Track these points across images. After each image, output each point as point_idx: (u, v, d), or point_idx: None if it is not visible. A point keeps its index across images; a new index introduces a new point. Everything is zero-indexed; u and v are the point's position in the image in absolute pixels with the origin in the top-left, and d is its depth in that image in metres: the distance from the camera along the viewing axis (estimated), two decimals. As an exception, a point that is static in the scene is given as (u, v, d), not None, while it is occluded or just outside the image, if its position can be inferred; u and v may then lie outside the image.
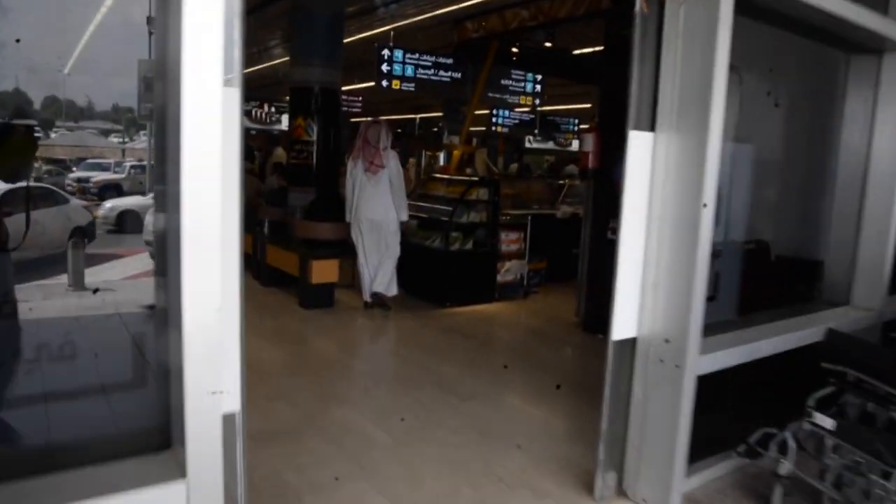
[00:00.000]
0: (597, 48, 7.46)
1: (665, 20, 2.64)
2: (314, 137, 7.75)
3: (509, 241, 6.74)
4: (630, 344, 2.77)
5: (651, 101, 2.74)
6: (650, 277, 2.73)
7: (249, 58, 12.37)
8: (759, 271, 3.92)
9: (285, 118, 22.38)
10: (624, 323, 2.73)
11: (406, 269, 6.64)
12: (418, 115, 25.09)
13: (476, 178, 6.98)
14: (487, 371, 4.50)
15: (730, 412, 3.06)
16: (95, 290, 5.92)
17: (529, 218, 6.87)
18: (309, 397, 3.93)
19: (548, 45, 7.34)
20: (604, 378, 2.76)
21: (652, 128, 2.75)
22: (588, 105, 18.38)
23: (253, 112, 21.97)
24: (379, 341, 5.40)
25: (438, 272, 6.43)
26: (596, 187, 5.47)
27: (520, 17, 6.24)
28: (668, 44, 2.63)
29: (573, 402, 3.94)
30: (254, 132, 27.60)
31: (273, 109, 22.14)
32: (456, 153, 8.50)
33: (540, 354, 5.07)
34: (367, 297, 6.14)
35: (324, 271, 6.01)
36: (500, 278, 6.69)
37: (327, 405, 3.83)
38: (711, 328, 2.79)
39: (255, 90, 21.55)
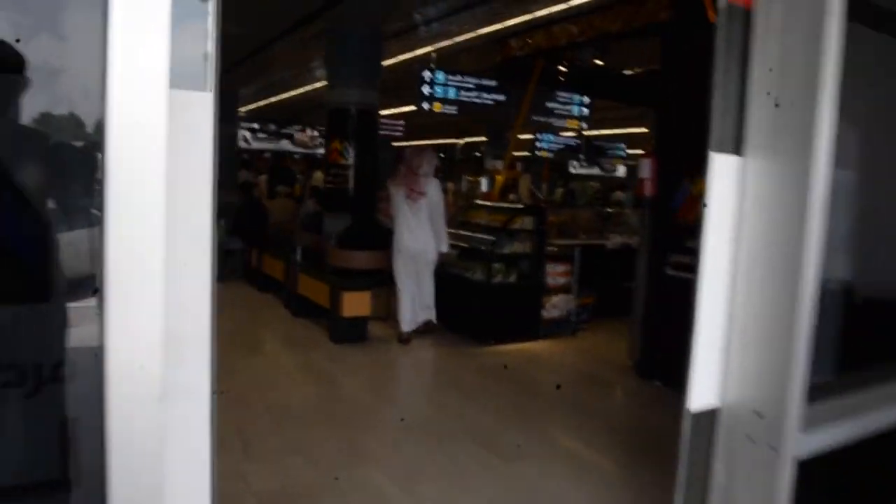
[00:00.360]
0: (651, 67, 6.99)
1: (755, 19, 2.16)
2: (350, 161, 7.43)
3: (556, 273, 6.25)
4: (710, 415, 2.26)
5: (736, 118, 2.25)
6: (736, 332, 2.22)
7: (290, 80, 12.23)
8: (850, 318, 3.36)
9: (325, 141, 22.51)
10: (703, 389, 2.22)
11: (445, 301, 6.23)
12: (462, 140, 24.84)
13: (521, 206, 6.52)
14: (534, 424, 4.00)
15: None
16: None
17: (577, 249, 6.36)
18: (331, 451, 3.49)
19: (597, 62, 6.88)
20: (678, 454, 2.25)
21: (737, 150, 2.25)
22: (636, 130, 17.87)
23: (295, 136, 22.04)
24: (413, 383, 4.95)
25: (480, 306, 5.96)
26: (653, 217, 4.96)
27: (568, 33, 5.80)
28: (759, 46, 2.15)
29: (634, 467, 3.41)
30: (297, 156, 27.84)
31: (315, 133, 22.19)
32: (499, 179, 8.05)
33: (592, 404, 4.54)
34: (404, 328, 5.77)
35: (356, 304, 5.61)
36: (545, 314, 6.19)
37: (351, 462, 3.38)
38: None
39: (298, 114, 21.65)
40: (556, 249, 6.36)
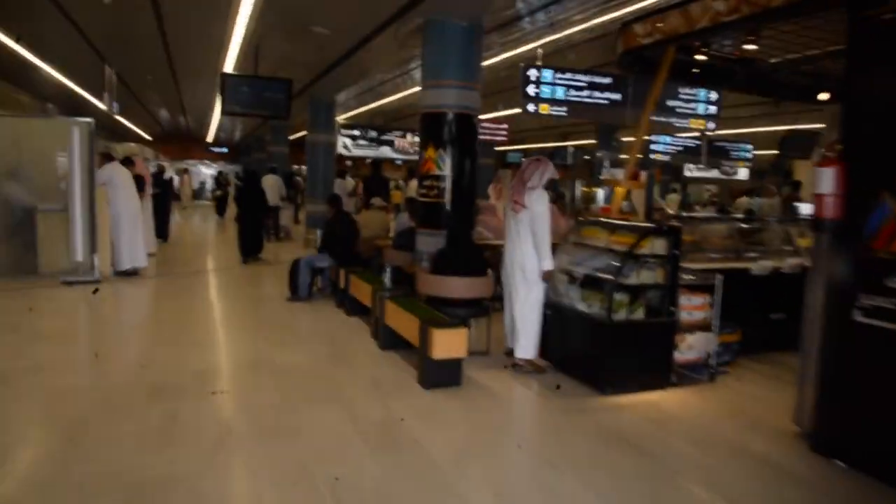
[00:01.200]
0: (814, 51, 5.69)
1: None
2: (446, 171, 6.59)
3: (692, 307, 5.11)
4: None
5: None
6: None
7: (389, 84, 11.57)
8: None
9: (428, 148, 21.97)
10: None
11: (554, 337, 5.26)
12: (567, 143, 23.62)
13: (651, 226, 5.40)
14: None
15: None
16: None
17: (718, 276, 5.18)
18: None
19: (749, 47, 5.66)
20: None
21: None
22: (763, 129, 16.05)
23: (396, 142, 21.58)
24: (513, 450, 4.00)
25: (596, 346, 4.93)
26: (835, 244, 3.77)
27: (711, 12, 4.66)
28: None
29: None
30: (399, 162, 27.51)
31: (416, 139, 21.65)
32: (619, 191, 6.94)
33: (752, 497, 3.42)
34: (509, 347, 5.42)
35: (449, 344, 4.72)
36: (678, 356, 5.07)
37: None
38: None
39: (399, 120, 21.23)
40: (693, 278, 5.21)
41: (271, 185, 15.20)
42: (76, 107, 18.88)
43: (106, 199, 9.02)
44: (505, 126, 15.24)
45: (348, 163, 25.83)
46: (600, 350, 4.89)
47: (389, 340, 5.76)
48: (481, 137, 15.03)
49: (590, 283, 5.21)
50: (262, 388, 4.82)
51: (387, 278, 6.21)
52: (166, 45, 10.48)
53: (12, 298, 7.52)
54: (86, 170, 8.52)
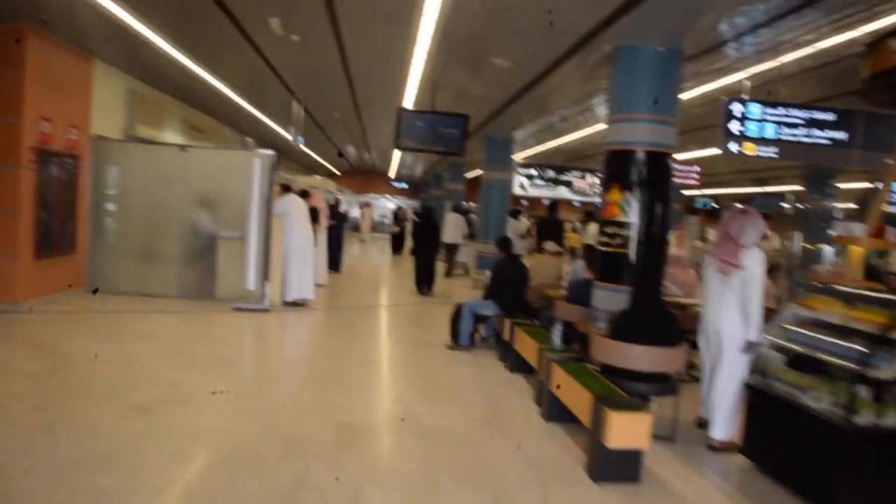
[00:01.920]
0: None
1: None
2: (632, 217, 5.70)
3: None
4: None
5: None
6: None
7: (570, 123, 10.83)
8: None
9: (608, 189, 20.80)
10: None
11: (760, 428, 4.18)
12: (764, 189, 21.37)
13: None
14: None
15: None
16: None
17: None
18: None
19: None
20: None
21: None
22: None
23: (574, 182, 20.76)
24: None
25: (826, 455, 3.77)
26: None
27: None
28: None
29: None
30: (576, 203, 26.52)
31: (596, 180, 20.68)
32: (856, 250, 5.59)
33: None
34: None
35: (627, 431, 3.82)
36: (948, 481, 3.75)
37: None
38: None
39: (578, 160, 20.44)
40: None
41: (454, 223, 15.13)
42: (271, 141, 20.25)
43: (281, 230, 9.14)
44: (696, 169, 13.87)
45: (524, 202, 25.40)
46: (832, 462, 3.72)
47: (555, 411, 4.94)
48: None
49: (813, 366, 4.05)
50: (405, 455, 4.23)
51: (556, 336, 5.44)
52: (350, 82, 10.62)
53: (182, 321, 7.70)
54: (264, 200, 8.67)
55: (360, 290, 11.87)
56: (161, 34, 7.76)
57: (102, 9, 6.59)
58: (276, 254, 8.99)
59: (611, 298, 5.71)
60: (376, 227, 33.54)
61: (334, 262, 13.11)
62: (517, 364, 6.43)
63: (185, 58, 8.85)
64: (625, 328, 4.68)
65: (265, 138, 19.52)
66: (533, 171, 20.13)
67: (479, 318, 7.38)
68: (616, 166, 5.86)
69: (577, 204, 29.68)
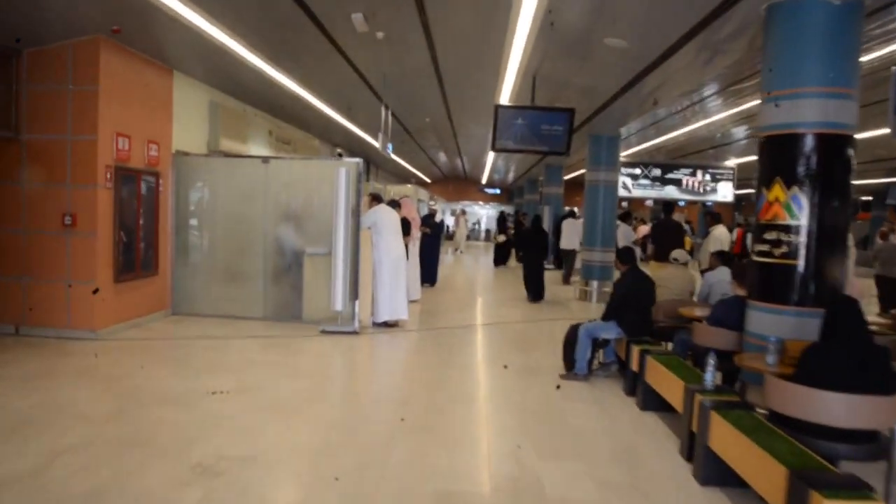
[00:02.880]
0: None
1: None
2: (801, 220, 4.48)
3: None
4: None
5: None
6: None
7: (677, 117, 9.38)
8: None
9: (722, 187, 19.05)
10: None
11: None
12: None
13: None
14: None
15: None
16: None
17: None
18: None
19: None
20: None
21: None
22: None
23: (684, 180, 19.19)
24: None
25: None
26: None
27: None
28: None
29: None
30: (683, 203, 24.66)
31: (707, 177, 19.00)
32: None
33: None
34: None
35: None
36: None
37: None
38: None
39: (683, 157, 18.85)
40: None
41: (571, 228, 14.40)
42: (361, 151, 19.82)
43: (370, 244, 8.40)
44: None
45: (623, 204, 23.68)
46: None
47: (716, 472, 3.82)
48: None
49: None
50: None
51: (710, 375, 4.29)
52: (440, 80, 9.79)
53: (264, 348, 7.03)
54: (351, 212, 7.93)
55: (458, 306, 10.96)
56: (242, 42, 7.21)
57: (180, 17, 6.05)
58: (365, 270, 8.24)
59: (777, 323, 4.51)
60: (470, 235, 32.74)
61: (429, 275, 12.31)
62: (649, 400, 5.33)
63: (267, 66, 8.30)
64: (820, 368, 3.49)
65: (354, 147, 19.09)
66: (637, 170, 18.71)
67: (598, 343, 6.29)
68: (777, 156, 4.65)
69: (681, 203, 27.89)
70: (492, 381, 6.33)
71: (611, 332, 6.11)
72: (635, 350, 5.59)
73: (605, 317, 6.17)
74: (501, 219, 23.71)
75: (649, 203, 25.21)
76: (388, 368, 7.05)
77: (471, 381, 6.36)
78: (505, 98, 9.28)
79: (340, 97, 11.40)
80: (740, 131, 15.35)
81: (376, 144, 10.62)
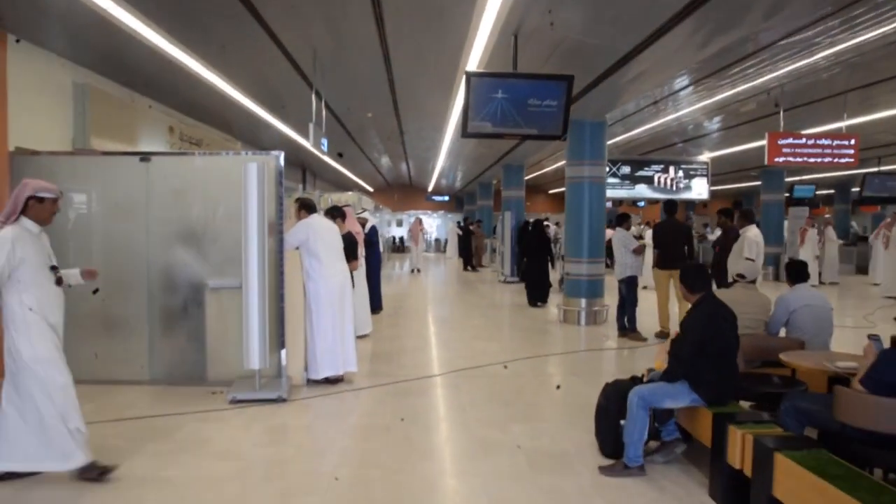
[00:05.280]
0: None
1: None
2: None
3: None
4: None
5: None
6: None
7: (650, 110, 6.88)
8: None
9: (696, 183, 17.43)
10: None
11: None
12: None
13: None
14: None
15: None
16: None
17: None
18: None
19: None
20: None
21: None
22: None
23: (656, 178, 17.52)
24: None
25: None
26: None
27: None
28: None
29: None
30: (643, 204, 23.11)
31: (680, 174, 17.32)
32: None
33: None
34: None
35: None
36: None
37: None
38: None
39: (651, 152, 17.36)
40: None
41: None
42: (297, 157, 17.31)
43: (303, 271, 6.03)
44: (852, 142, 10.32)
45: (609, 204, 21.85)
46: None
47: None
48: (814, 161, 10.33)
49: None
50: None
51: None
52: (387, 59, 7.54)
53: (134, 443, 4.51)
54: (269, 227, 5.55)
55: (420, 341, 8.57)
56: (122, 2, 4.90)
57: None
58: (293, 307, 5.88)
59: None
60: (427, 247, 30.39)
61: (374, 300, 9.92)
62: (734, 488, 3.18)
63: (162, 39, 6.02)
64: None
65: (289, 153, 16.61)
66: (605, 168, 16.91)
67: (658, 416, 4.09)
68: None
69: (641, 204, 26.27)
70: (490, 488, 3.99)
71: (681, 397, 3.90)
72: (736, 434, 3.41)
73: (671, 374, 3.95)
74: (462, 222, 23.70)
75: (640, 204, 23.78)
76: (328, 469, 4.57)
77: (455, 491, 4.00)
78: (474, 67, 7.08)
79: (265, 87, 9.02)
80: (713, 123, 13.93)
81: (308, 145, 8.24)
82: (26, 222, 3.75)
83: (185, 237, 6.01)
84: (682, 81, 8.86)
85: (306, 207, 6.20)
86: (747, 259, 7.24)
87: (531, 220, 13.76)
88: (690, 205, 31.06)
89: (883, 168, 17.51)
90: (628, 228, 8.68)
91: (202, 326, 5.97)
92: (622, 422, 4.06)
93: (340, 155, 21.52)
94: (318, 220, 6.16)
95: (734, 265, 7.54)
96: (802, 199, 20.16)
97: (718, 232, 23.38)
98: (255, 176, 5.30)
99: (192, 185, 6.01)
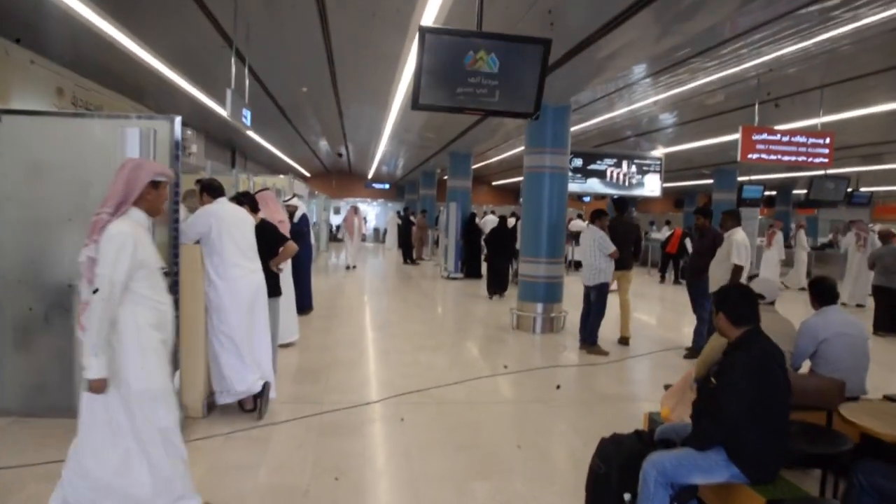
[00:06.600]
0: None
1: None
2: None
3: None
4: None
5: None
6: None
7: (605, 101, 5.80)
8: None
9: (649, 179, 16.77)
10: None
11: None
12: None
13: None
14: None
15: None
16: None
17: None
18: None
19: None
20: None
21: None
22: None
23: (608, 173, 16.78)
24: None
25: None
26: None
27: None
28: None
29: None
30: (587, 199, 22.66)
31: (633, 169, 16.60)
32: None
33: None
34: None
35: None
36: None
37: None
38: None
39: (604, 145, 16.61)
40: None
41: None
42: (225, 134, 15.72)
43: (203, 271, 4.72)
44: (827, 140, 9.60)
45: (586, 199, 20.99)
46: None
47: None
48: (788, 159, 9.57)
49: None
50: None
51: None
52: (323, 16, 6.26)
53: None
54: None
55: (354, 352, 7.34)
56: None
57: None
58: (194, 316, 4.58)
59: None
60: (365, 237, 28.88)
61: (303, 300, 8.62)
62: None
63: None
64: None
65: (214, 129, 15.02)
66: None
67: (680, 494, 3.01)
68: None
69: (587, 200, 25.49)
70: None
71: (715, 472, 2.82)
72: None
73: (702, 440, 2.86)
74: (402, 211, 22.59)
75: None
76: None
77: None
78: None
79: (176, 43, 7.58)
80: (669, 117, 13.29)
81: (226, 115, 6.86)
82: (137, 214, 2.99)
83: (46, 224, 4.60)
84: (653, 66, 7.87)
85: (209, 190, 4.86)
86: (736, 265, 6.31)
87: (498, 215, 14.27)
88: (633, 201, 30.75)
89: (829, 171, 17.17)
90: (604, 227, 7.54)
91: (69, 341, 4.57)
92: (626, 496, 2.98)
93: (340, 155, 20.02)
94: (225, 208, 4.84)
95: (718, 271, 6.62)
96: (750, 199, 19.74)
97: (666, 230, 22.76)
98: (137, 146, 3.96)
99: (56, 155, 4.59)
